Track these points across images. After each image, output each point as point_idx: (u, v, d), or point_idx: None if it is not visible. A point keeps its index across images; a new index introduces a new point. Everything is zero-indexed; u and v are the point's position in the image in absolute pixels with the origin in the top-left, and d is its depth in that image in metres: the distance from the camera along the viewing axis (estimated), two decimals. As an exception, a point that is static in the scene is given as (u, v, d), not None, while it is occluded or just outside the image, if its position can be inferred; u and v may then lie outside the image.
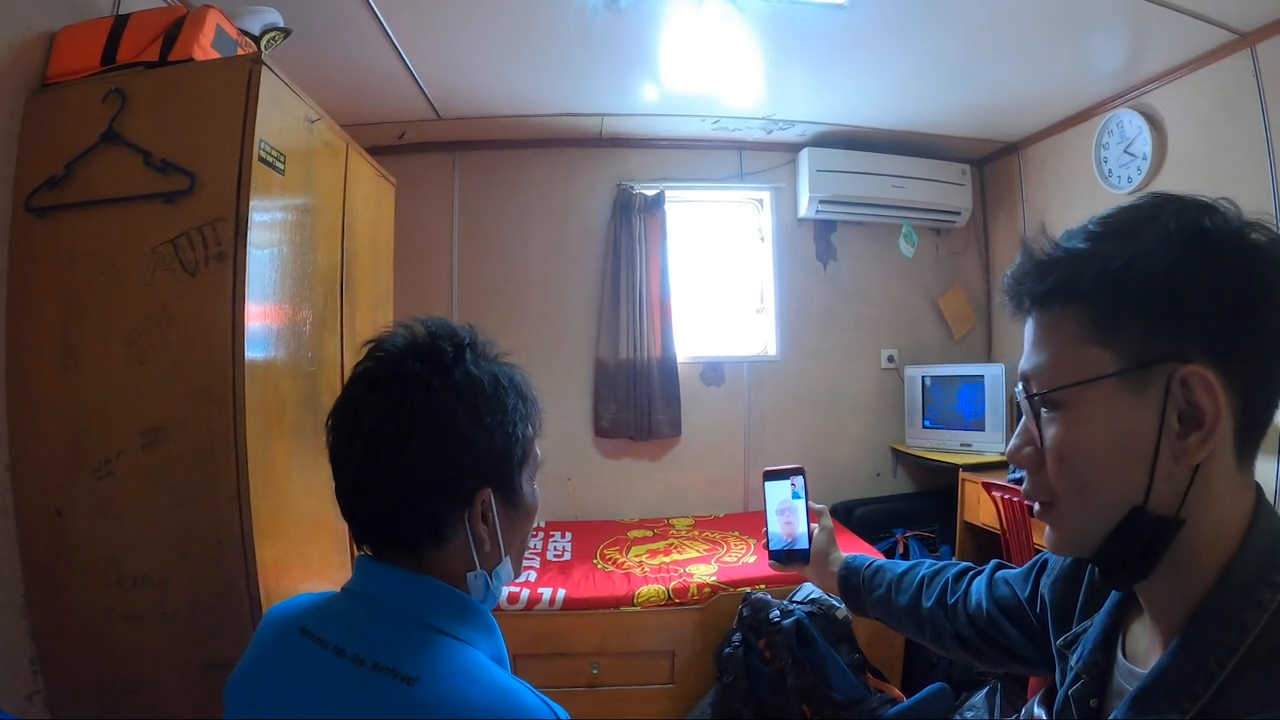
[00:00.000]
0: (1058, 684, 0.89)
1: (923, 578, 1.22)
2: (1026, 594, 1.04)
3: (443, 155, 4.29)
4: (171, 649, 1.66)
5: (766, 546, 1.41)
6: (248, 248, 1.68)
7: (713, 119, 4.00)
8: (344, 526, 2.17)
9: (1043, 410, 0.74)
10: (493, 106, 3.75)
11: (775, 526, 1.40)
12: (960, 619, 1.12)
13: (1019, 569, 1.10)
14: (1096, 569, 0.79)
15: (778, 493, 1.40)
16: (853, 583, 1.32)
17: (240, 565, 1.65)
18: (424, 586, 0.86)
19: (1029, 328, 0.76)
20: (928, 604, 1.18)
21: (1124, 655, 0.79)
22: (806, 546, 1.38)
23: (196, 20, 1.81)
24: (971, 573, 1.18)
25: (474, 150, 4.29)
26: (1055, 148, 4.01)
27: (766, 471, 1.41)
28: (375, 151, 2.73)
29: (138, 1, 2.16)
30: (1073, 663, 0.84)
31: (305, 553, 1.97)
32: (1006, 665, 1.09)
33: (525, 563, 3.42)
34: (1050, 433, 0.73)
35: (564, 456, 4.31)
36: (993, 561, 1.18)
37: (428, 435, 0.84)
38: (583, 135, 4.23)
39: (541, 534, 3.94)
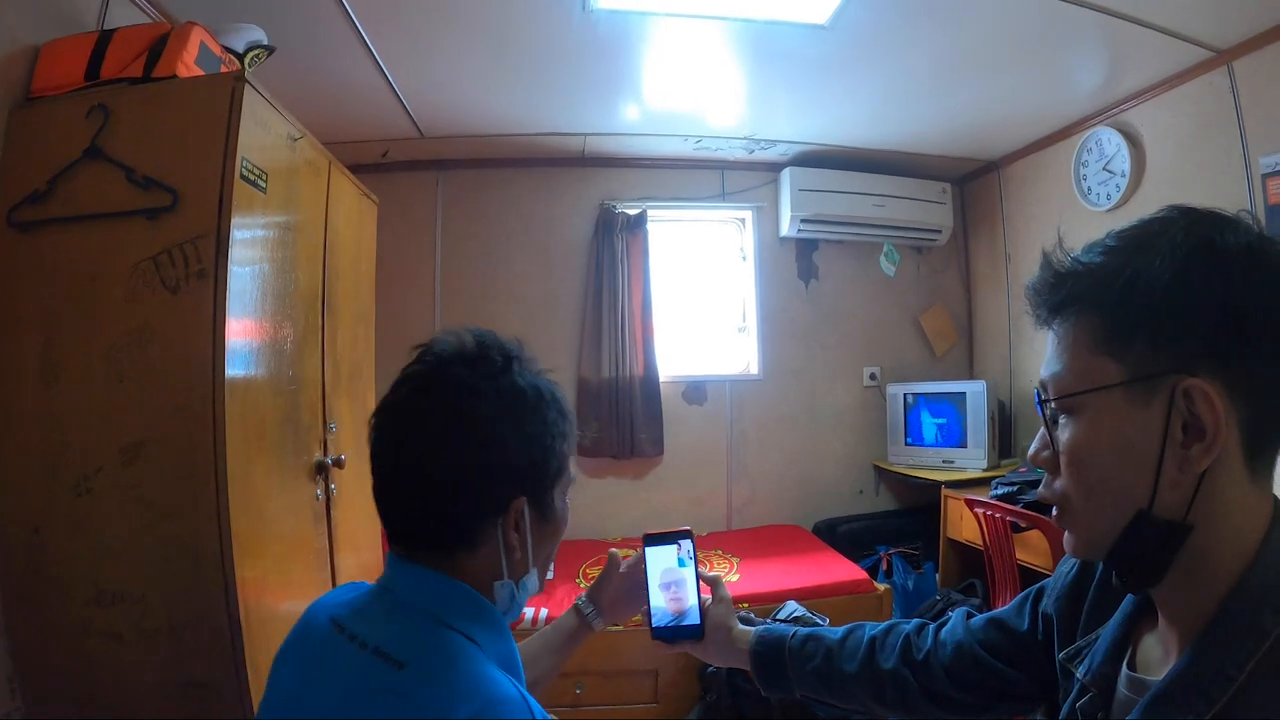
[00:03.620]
0: (1060, 700, 0.88)
1: (872, 639, 1.14)
2: (1025, 626, 1.02)
3: (426, 174, 4.28)
4: (150, 667, 1.65)
5: (648, 625, 1.21)
6: (229, 265, 1.69)
7: (695, 139, 4.02)
8: (324, 546, 2.17)
9: (1060, 417, 0.77)
10: (476, 125, 3.76)
11: (659, 600, 1.21)
12: (934, 673, 1.08)
13: (1004, 609, 1.08)
14: (1114, 572, 0.80)
15: (661, 560, 1.22)
16: (773, 657, 1.18)
17: (220, 583, 1.64)
18: (440, 583, 0.88)
19: (1050, 337, 0.78)
20: (888, 664, 1.11)
21: (1130, 668, 0.80)
22: (698, 621, 1.20)
23: (180, 37, 1.82)
24: (933, 626, 1.14)
25: (457, 169, 4.29)
26: (1035, 166, 4.06)
27: (647, 535, 1.23)
28: (358, 170, 2.73)
29: (122, 17, 2.16)
30: (1079, 675, 0.84)
31: (286, 571, 1.96)
32: (991, 709, 1.06)
33: None
34: (1063, 437, 0.76)
35: None
36: (959, 610, 1.15)
37: (470, 439, 0.86)
38: (565, 154, 4.24)
39: None
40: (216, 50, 1.93)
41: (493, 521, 0.89)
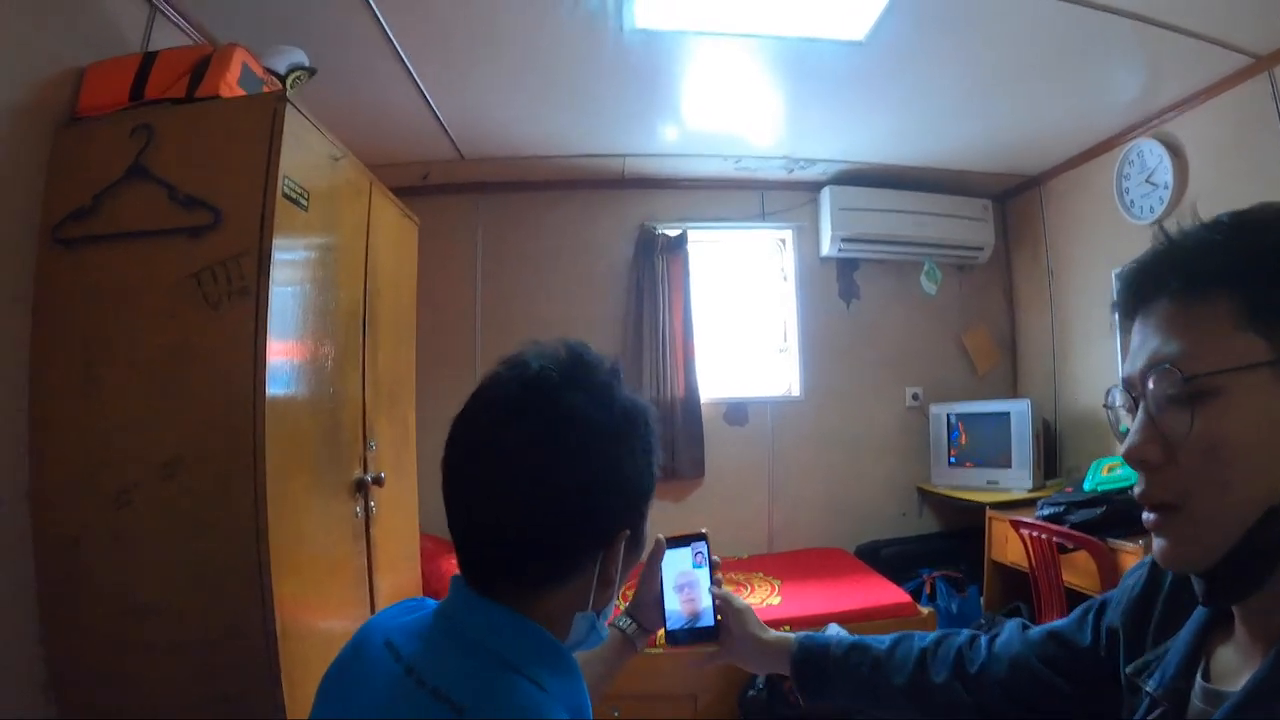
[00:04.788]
0: (1125, 716, 0.84)
1: (922, 650, 1.11)
2: (1088, 640, 0.96)
3: (466, 197, 4.32)
4: (185, 681, 1.65)
5: (664, 627, 1.22)
6: (270, 284, 1.70)
7: (734, 159, 4.01)
8: (363, 563, 2.16)
9: (1186, 401, 0.68)
10: (515, 147, 3.78)
11: (673, 603, 1.21)
12: (988, 687, 1.03)
13: (1062, 622, 1.02)
14: (1203, 586, 0.73)
15: (677, 563, 1.22)
16: (816, 665, 1.16)
17: (257, 598, 1.64)
18: (514, 624, 0.81)
19: (1148, 321, 0.73)
20: (939, 678, 1.07)
21: (1205, 679, 0.75)
22: (712, 624, 1.19)
23: (223, 59, 1.85)
24: (985, 638, 1.09)
25: (497, 192, 4.32)
26: (1076, 180, 3.98)
27: (661, 539, 1.23)
28: (399, 192, 2.75)
29: (165, 40, 2.21)
30: (1150, 689, 0.79)
31: (323, 587, 1.95)
32: None
33: None
34: (1193, 425, 0.68)
35: None
36: (1013, 621, 1.10)
37: (586, 469, 0.80)
38: (605, 176, 4.25)
39: None
40: (258, 71, 1.95)
41: (593, 556, 0.83)
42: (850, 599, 3.31)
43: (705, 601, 1.20)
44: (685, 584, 1.22)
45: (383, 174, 2.60)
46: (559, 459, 0.79)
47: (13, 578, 1.71)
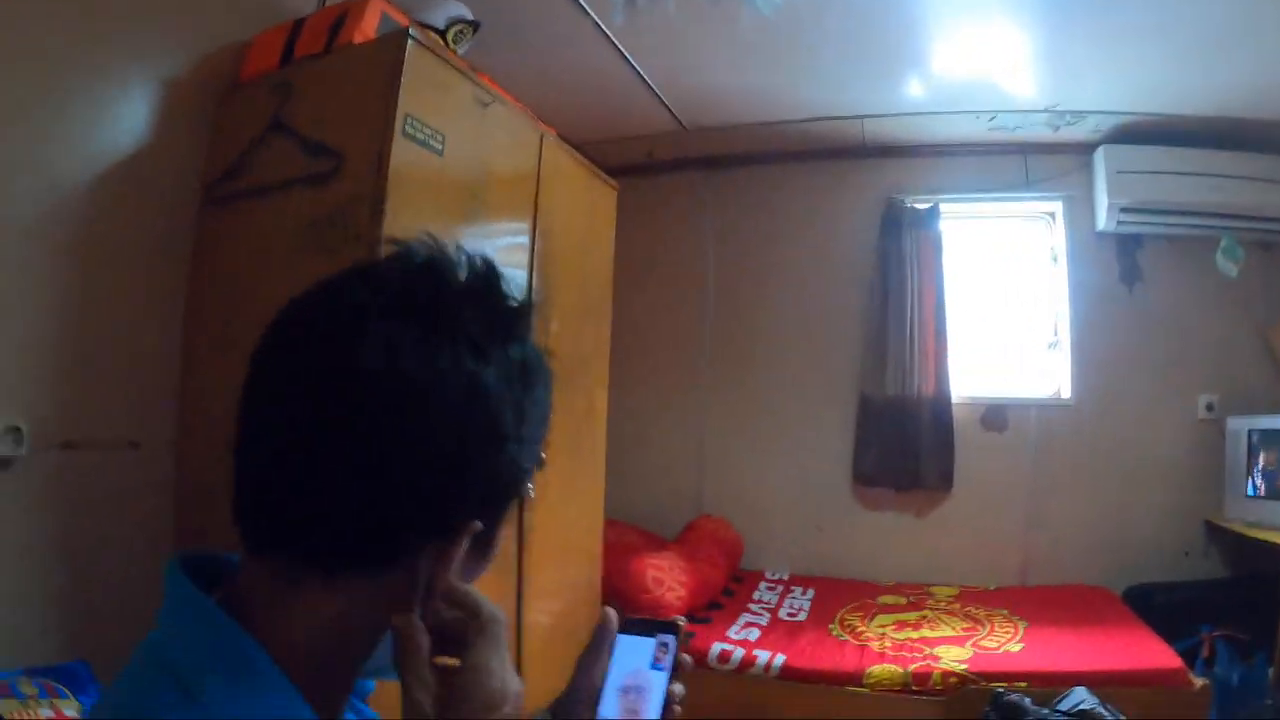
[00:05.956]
0: None
1: None
2: None
3: (693, 174, 4.19)
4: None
5: None
6: (382, 231, 1.61)
7: (988, 115, 3.52)
8: (510, 550, 2.04)
9: None
10: (741, 113, 3.58)
11: (610, 710, 0.86)
12: None
13: None
14: None
15: (630, 656, 0.89)
16: None
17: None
18: (194, 607, 0.59)
19: None
20: None
21: None
22: None
23: (358, 8, 1.82)
24: None
25: (726, 168, 4.15)
26: None
27: (624, 620, 0.90)
28: (624, 170, 2.70)
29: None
30: None
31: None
32: None
33: (751, 619, 3.19)
34: None
35: (816, 502, 3.97)
36: None
37: (436, 438, 0.57)
38: (843, 144, 3.91)
39: (780, 587, 3.63)
40: (403, 21, 1.90)
41: (416, 547, 0.60)
42: (1105, 657, 2.73)
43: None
44: (633, 687, 0.89)
45: (603, 150, 2.58)
46: (394, 414, 0.57)
47: (153, 521, 1.79)
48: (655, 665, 0.88)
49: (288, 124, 1.75)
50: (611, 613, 0.89)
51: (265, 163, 1.78)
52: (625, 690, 0.87)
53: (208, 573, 0.63)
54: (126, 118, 1.78)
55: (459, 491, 0.59)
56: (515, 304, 0.64)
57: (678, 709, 0.87)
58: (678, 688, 0.87)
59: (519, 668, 2.14)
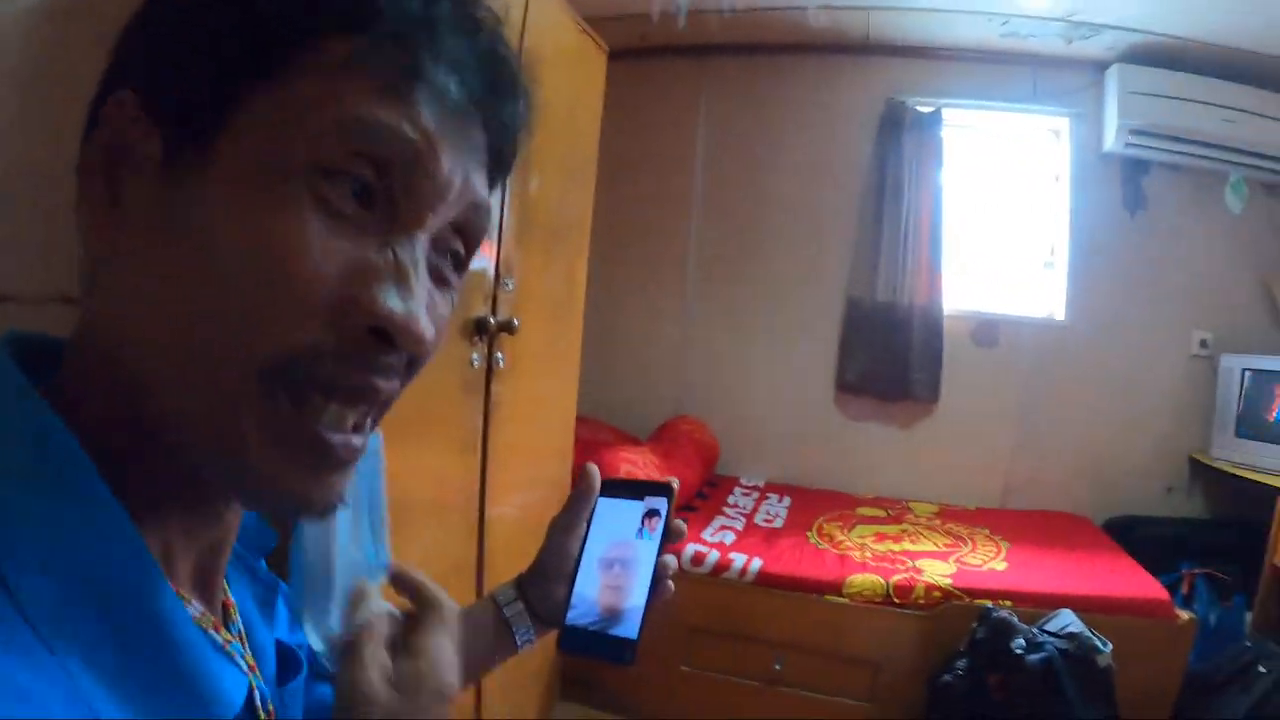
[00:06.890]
0: None
1: None
2: None
3: (688, 61, 3.93)
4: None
5: (560, 620, 0.74)
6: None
7: (1001, 19, 3.31)
8: (476, 425, 1.82)
9: None
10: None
11: (590, 585, 0.74)
12: None
13: None
14: None
15: (614, 523, 0.77)
16: None
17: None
18: None
19: None
20: None
21: None
22: (634, 636, 0.70)
23: None
24: None
25: (724, 56, 3.90)
26: None
27: (607, 481, 0.79)
28: (618, 54, 2.50)
29: None
30: None
31: (421, 441, 1.62)
32: None
33: (726, 522, 3.06)
34: None
35: (797, 410, 3.89)
36: None
37: None
38: (846, 40, 3.68)
39: (756, 494, 3.54)
40: None
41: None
42: (1092, 582, 2.65)
43: (638, 598, 0.72)
44: (618, 559, 0.75)
45: (595, 29, 2.36)
46: None
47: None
48: (643, 534, 0.76)
49: None
50: (594, 469, 0.77)
51: None
52: (608, 563, 0.76)
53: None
54: None
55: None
56: None
57: (670, 585, 0.75)
58: (669, 560, 0.74)
59: (480, 564, 1.96)
